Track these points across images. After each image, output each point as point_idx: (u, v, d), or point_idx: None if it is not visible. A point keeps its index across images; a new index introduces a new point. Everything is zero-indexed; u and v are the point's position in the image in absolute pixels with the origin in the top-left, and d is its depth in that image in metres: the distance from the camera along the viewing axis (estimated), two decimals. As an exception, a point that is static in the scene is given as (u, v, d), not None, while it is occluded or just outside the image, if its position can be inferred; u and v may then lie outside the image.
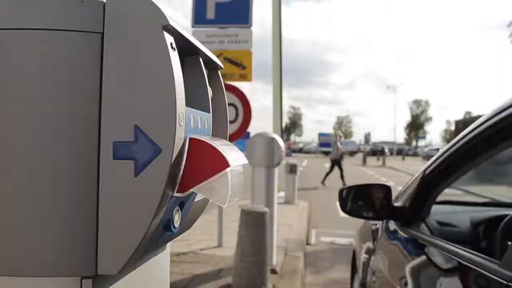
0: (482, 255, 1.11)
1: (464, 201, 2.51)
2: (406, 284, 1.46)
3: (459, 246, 1.25)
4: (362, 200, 1.86)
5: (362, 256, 2.28)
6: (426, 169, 1.68)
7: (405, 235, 1.69)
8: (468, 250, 1.19)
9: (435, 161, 1.64)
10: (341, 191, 1.94)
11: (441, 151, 1.65)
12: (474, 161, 1.54)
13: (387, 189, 1.80)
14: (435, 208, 1.79)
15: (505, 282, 0.93)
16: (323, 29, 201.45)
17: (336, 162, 14.71)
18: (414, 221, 1.70)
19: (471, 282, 1.08)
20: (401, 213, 1.77)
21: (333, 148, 15.32)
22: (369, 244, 2.19)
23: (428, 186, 1.67)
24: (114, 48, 0.63)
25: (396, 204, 1.82)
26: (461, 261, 1.15)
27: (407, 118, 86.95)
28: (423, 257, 1.47)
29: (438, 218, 1.83)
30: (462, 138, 1.46)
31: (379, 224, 2.11)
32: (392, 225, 1.87)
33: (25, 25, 0.63)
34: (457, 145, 1.49)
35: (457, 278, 1.14)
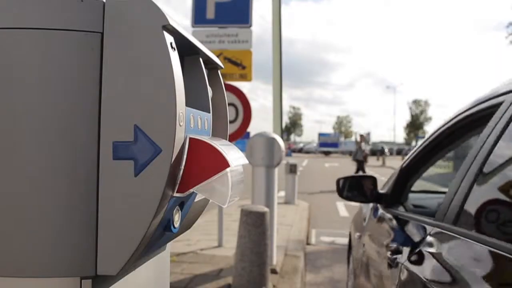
0: (435, 218, 1.50)
1: (437, 191, 2.87)
2: (387, 247, 1.87)
3: (425, 217, 1.67)
4: (355, 188, 2.32)
5: (356, 235, 2.79)
6: (403, 164, 2.17)
7: (387, 214, 2.15)
8: (430, 217, 1.58)
9: (408, 158, 2.13)
10: (338, 181, 2.42)
11: (412, 151, 2.12)
12: (435, 158, 2.04)
13: (374, 180, 2.28)
14: (411, 195, 2.25)
15: (431, 227, 1.47)
16: (323, 29, 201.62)
17: (359, 163, 14.81)
18: (394, 203, 2.15)
19: (426, 236, 1.50)
20: (384, 197, 2.24)
21: (357, 149, 15.44)
22: (361, 226, 2.69)
23: (405, 177, 2.14)
24: (114, 48, 0.63)
25: (381, 191, 2.28)
26: (424, 225, 1.58)
27: (407, 118, 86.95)
28: (400, 227, 1.92)
29: (412, 202, 2.25)
30: (425, 141, 1.97)
31: (367, 211, 2.61)
32: (378, 207, 2.35)
33: (25, 25, 0.62)
34: (422, 146, 2.00)
35: (422, 237, 1.57)
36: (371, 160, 29.06)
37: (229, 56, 5.35)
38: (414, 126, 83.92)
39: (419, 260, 1.41)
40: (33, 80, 0.62)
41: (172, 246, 4.66)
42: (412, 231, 1.70)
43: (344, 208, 9.57)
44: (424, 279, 1.28)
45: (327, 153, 56.94)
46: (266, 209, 3.66)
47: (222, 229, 5.19)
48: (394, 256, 1.64)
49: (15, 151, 0.61)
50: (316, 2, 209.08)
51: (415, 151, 2.07)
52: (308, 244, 6.18)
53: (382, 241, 2.02)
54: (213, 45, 5.32)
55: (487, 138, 1.30)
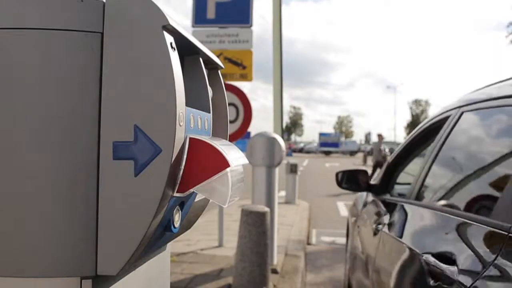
0: (406, 197, 2.09)
1: None
2: (375, 221, 2.36)
3: (402, 198, 2.20)
4: (351, 180, 2.88)
5: (352, 220, 3.38)
6: (389, 161, 2.76)
7: (377, 199, 2.68)
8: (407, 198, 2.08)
9: (393, 156, 2.73)
10: (337, 174, 2.97)
11: (395, 151, 2.75)
12: (412, 156, 2.62)
13: (366, 173, 2.88)
14: (397, 186, 2.74)
15: (402, 203, 2.07)
16: (323, 29, 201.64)
17: (379, 164, 14.65)
18: (383, 192, 2.68)
19: (398, 210, 2.08)
20: (375, 187, 2.79)
21: (375, 150, 15.26)
22: (356, 212, 3.27)
23: (391, 171, 2.72)
24: (114, 48, 0.63)
25: (372, 182, 2.86)
26: (399, 203, 2.14)
27: (407, 118, 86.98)
28: (384, 208, 2.42)
29: (397, 191, 2.71)
30: (404, 143, 2.64)
31: (361, 199, 3.18)
32: (369, 195, 2.93)
33: (25, 25, 0.62)
34: (402, 147, 2.66)
35: (395, 211, 2.12)
36: (372, 160, 29.03)
37: (230, 56, 5.35)
38: (415, 126, 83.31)
39: (391, 225, 2.01)
40: (33, 80, 0.62)
41: (172, 246, 4.65)
42: (391, 208, 2.23)
43: (344, 208, 9.57)
44: (393, 237, 1.88)
45: (327, 153, 56.87)
46: (266, 209, 3.66)
47: (222, 229, 5.19)
48: (377, 227, 2.20)
49: (15, 151, 0.61)
50: (316, 2, 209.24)
51: (397, 151, 2.71)
52: (308, 244, 6.18)
53: (371, 219, 2.56)
54: (214, 45, 5.32)
55: (439, 141, 1.89)
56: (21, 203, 0.62)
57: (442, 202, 1.72)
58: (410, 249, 1.56)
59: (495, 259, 1.06)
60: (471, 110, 1.71)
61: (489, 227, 1.19)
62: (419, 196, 1.91)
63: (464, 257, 1.19)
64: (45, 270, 0.62)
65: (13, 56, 0.62)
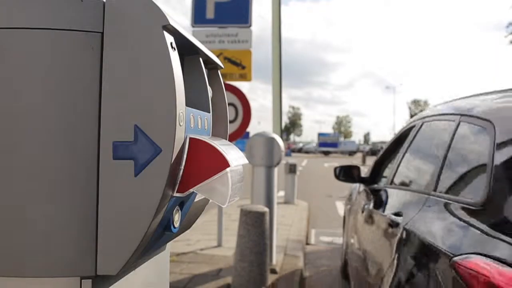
0: (385, 184, 2.90)
1: None
2: (365, 204, 3.05)
3: (384, 185, 2.96)
4: (346, 174, 3.60)
5: (347, 207, 4.22)
6: (377, 159, 3.48)
7: (366, 188, 3.36)
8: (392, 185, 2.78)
9: (379, 155, 3.45)
10: (335, 169, 3.71)
11: (381, 151, 3.49)
12: (392, 155, 3.14)
13: (359, 168, 3.59)
14: (383, 179, 3.30)
15: (384, 188, 2.88)
16: (322, 29, 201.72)
17: None
18: (372, 183, 3.36)
19: (380, 193, 2.88)
20: (366, 179, 3.47)
21: None
22: (351, 201, 4.08)
23: (378, 166, 3.43)
24: (114, 47, 0.63)
25: (363, 176, 3.55)
26: (382, 189, 2.91)
27: (406, 118, 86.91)
28: (372, 194, 3.09)
29: (383, 182, 3.22)
30: (387, 145, 3.35)
31: (355, 190, 3.96)
32: (361, 186, 3.63)
33: (25, 25, 0.62)
34: (386, 148, 3.36)
35: (378, 194, 2.91)
36: (371, 160, 29.14)
37: (229, 56, 5.35)
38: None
39: (374, 204, 2.79)
40: (33, 80, 0.62)
41: (172, 246, 4.65)
42: (377, 193, 2.95)
43: (343, 208, 9.56)
44: (372, 209, 2.73)
45: (326, 153, 56.86)
46: (265, 209, 3.66)
47: (221, 229, 5.19)
48: (364, 207, 2.99)
49: (15, 151, 0.61)
50: (314, 1, 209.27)
51: (383, 150, 3.43)
52: (307, 244, 6.18)
53: (361, 202, 3.31)
54: (213, 45, 5.31)
55: (407, 143, 2.66)
56: (21, 203, 0.62)
57: (403, 183, 2.59)
58: (381, 214, 2.44)
59: (420, 209, 1.86)
60: (428, 121, 2.44)
61: (420, 194, 2.01)
62: (392, 182, 2.71)
63: (406, 211, 2.03)
64: (45, 270, 0.62)
65: (14, 56, 0.62)
